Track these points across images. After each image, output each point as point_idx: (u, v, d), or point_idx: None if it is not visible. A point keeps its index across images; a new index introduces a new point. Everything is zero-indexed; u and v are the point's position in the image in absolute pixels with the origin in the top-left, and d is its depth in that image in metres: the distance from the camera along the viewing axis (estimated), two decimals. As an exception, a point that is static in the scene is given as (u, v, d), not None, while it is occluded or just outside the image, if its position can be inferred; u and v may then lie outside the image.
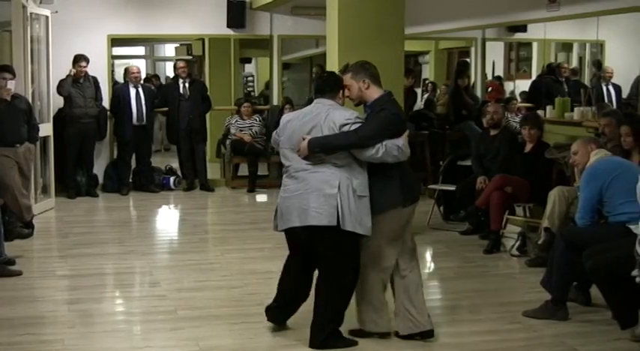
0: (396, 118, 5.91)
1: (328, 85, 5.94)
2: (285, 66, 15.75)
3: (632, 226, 6.16)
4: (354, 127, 5.69)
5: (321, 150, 5.65)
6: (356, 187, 5.69)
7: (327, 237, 5.69)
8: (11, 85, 9.36)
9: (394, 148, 5.73)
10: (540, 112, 11.81)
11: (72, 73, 12.07)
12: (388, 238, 5.87)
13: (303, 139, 5.69)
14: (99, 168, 12.99)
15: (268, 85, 15.35)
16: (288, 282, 6.14)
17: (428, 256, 8.91)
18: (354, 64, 6.08)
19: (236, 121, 13.53)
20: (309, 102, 14.64)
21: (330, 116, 5.74)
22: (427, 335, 6.00)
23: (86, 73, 12.26)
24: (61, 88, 11.99)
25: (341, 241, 5.71)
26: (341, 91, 5.94)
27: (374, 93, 5.94)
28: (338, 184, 5.64)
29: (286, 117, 6.08)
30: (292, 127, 5.85)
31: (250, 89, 19.85)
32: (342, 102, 5.97)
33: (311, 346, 5.83)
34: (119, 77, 16.01)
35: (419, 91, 17.09)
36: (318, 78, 6.10)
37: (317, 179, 5.69)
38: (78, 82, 12.19)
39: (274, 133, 6.12)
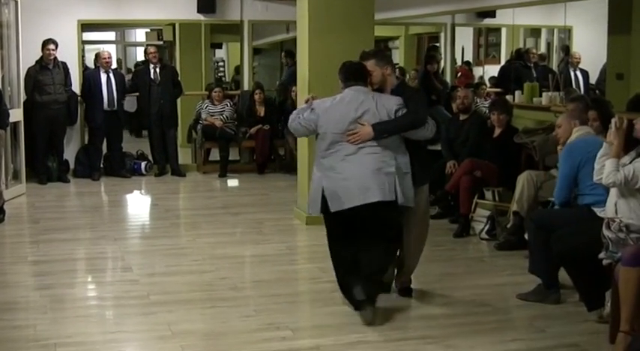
0: None
1: (362, 74, 6.33)
2: (256, 51, 15.73)
3: (597, 210, 6.25)
4: (403, 110, 6.23)
5: (388, 134, 6.17)
6: (401, 165, 6.23)
7: (383, 211, 6.15)
8: None
9: (433, 125, 6.38)
10: (509, 97, 11.89)
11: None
12: (428, 203, 6.81)
13: (362, 124, 6.13)
14: (70, 153, 12.98)
15: (238, 70, 15.36)
16: (352, 264, 6.32)
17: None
18: (374, 51, 6.66)
19: (207, 106, 13.53)
20: (281, 87, 14.77)
21: (382, 102, 6.24)
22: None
23: (55, 58, 12.23)
24: (26, 86, 11.98)
25: (392, 213, 6.24)
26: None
27: (393, 79, 6.49)
28: (394, 163, 6.18)
29: (321, 104, 6.36)
30: (338, 113, 6.22)
31: (221, 74, 19.83)
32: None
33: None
34: (89, 62, 15.94)
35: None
36: (350, 67, 6.40)
37: (375, 160, 6.14)
38: (47, 67, 12.16)
39: (299, 119, 6.44)
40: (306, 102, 6.51)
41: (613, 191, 5.84)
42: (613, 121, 5.89)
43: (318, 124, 6.28)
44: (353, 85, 6.29)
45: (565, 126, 6.83)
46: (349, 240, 6.32)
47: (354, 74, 6.34)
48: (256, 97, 13.68)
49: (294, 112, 6.63)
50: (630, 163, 5.72)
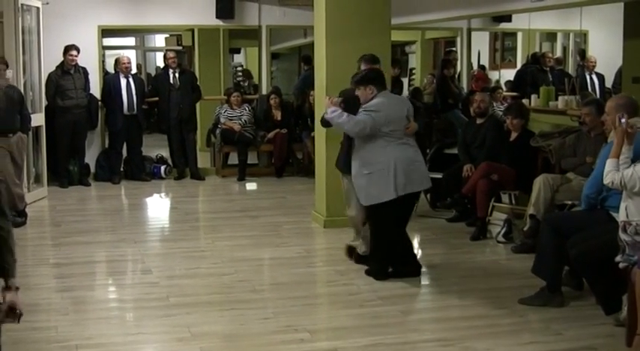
0: None
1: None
2: (274, 56, 15.79)
3: (614, 214, 6.16)
4: None
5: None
6: None
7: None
8: (9, 74, 9.49)
9: None
10: (525, 101, 11.90)
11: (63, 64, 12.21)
12: None
13: (410, 120, 7.34)
14: (91, 157, 13.09)
15: (250, 75, 15.44)
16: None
17: (415, 243, 8.95)
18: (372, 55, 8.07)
19: (225, 110, 13.60)
20: (298, 91, 14.95)
21: (407, 102, 7.72)
22: None
23: (76, 63, 12.34)
24: (47, 90, 12.10)
25: None
26: None
27: None
28: None
29: (382, 106, 7.17)
30: (396, 112, 7.27)
31: (239, 79, 19.91)
32: None
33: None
34: (110, 67, 16.05)
35: (405, 80, 17.18)
36: (381, 74, 7.42)
37: (419, 152, 7.45)
38: (69, 72, 12.27)
39: (371, 119, 7.09)
40: (335, 104, 7.24)
41: (623, 195, 5.84)
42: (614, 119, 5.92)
43: (385, 122, 7.11)
44: (384, 89, 7.35)
45: (613, 116, 6.24)
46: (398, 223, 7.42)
47: (384, 81, 7.43)
48: (272, 101, 13.74)
49: (343, 117, 7.14)
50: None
